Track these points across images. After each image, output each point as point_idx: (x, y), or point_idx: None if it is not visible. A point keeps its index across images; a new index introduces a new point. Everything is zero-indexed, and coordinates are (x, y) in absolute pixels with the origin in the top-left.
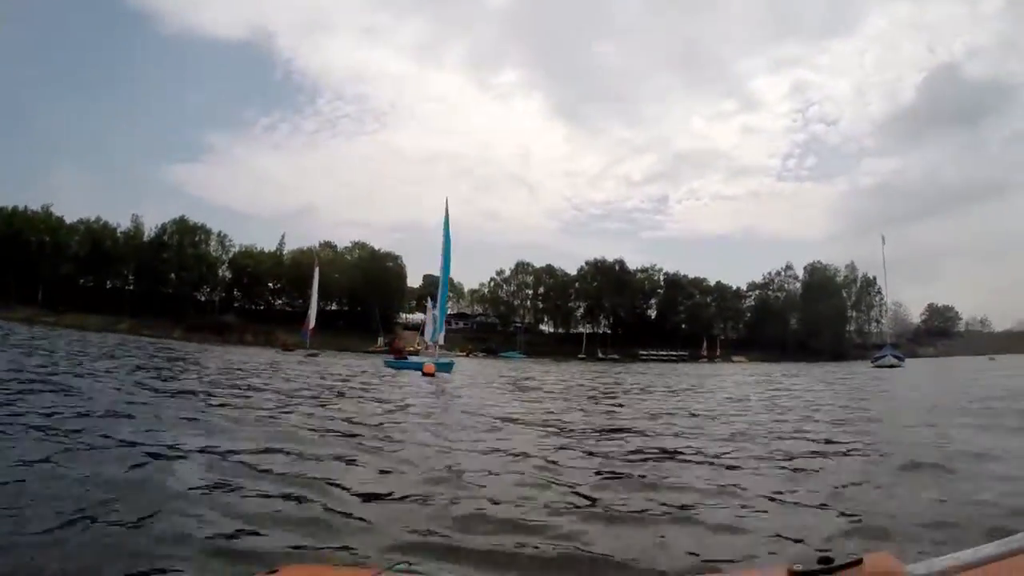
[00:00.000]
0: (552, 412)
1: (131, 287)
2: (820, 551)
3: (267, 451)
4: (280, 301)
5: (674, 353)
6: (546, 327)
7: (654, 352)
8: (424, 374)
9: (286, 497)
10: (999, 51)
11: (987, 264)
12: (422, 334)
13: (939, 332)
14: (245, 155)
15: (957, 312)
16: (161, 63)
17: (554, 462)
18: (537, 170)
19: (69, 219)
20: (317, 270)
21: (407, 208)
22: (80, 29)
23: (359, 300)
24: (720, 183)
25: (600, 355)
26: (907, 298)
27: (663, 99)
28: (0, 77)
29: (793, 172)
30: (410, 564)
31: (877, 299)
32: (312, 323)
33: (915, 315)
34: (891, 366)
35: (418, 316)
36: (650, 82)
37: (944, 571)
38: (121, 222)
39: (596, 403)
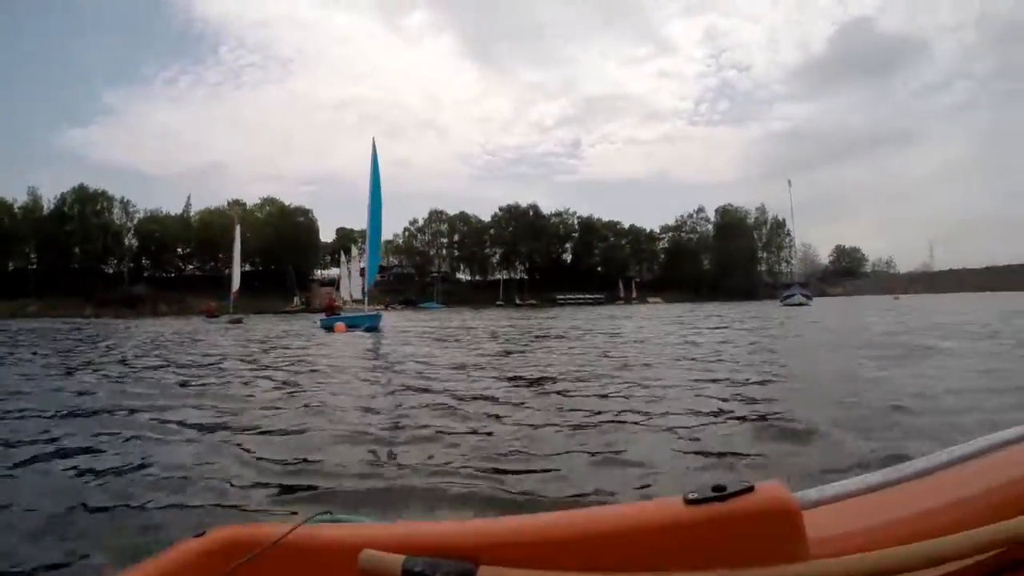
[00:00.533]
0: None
1: (35, 266)
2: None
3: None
4: (191, 266)
5: (591, 296)
6: (463, 275)
7: (572, 296)
8: (331, 330)
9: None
10: (910, 6)
11: (893, 207)
12: (338, 289)
13: (847, 272)
14: (146, 112)
15: (864, 253)
16: (46, 18)
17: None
18: (448, 115)
19: None
20: (238, 229)
21: (318, 160)
22: None
23: (273, 259)
24: (633, 127)
25: (518, 301)
26: (816, 239)
27: (576, 42)
28: None
29: (705, 116)
30: (331, 513)
31: (787, 240)
32: (236, 286)
33: (824, 256)
34: (799, 304)
35: (333, 271)
36: (563, 25)
37: (834, 497)
38: (17, 197)
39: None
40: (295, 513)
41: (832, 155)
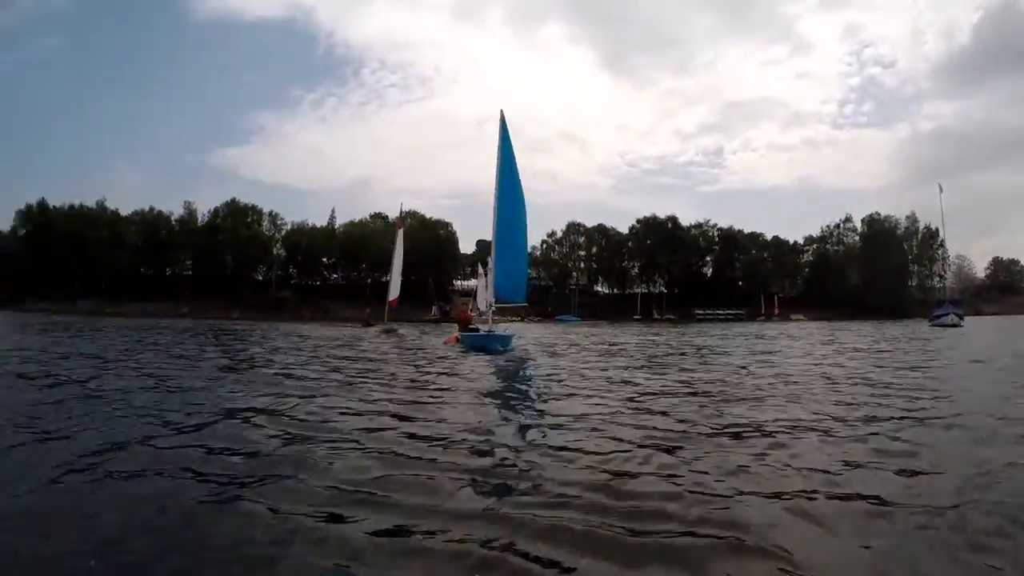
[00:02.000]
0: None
1: (189, 272)
2: None
3: None
4: (334, 275)
5: (731, 312)
6: (600, 288)
7: (711, 311)
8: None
9: None
10: None
11: None
12: (475, 299)
13: (1005, 287)
14: (294, 132)
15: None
16: (201, 50)
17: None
18: (587, 126)
19: (124, 212)
20: (400, 236)
21: (459, 174)
22: (116, 23)
23: (412, 269)
24: (775, 133)
25: (656, 316)
26: (971, 251)
27: (712, 46)
28: (48, 80)
29: (850, 118)
30: None
31: (939, 252)
32: (394, 295)
33: (979, 269)
34: (952, 325)
35: (472, 283)
36: (697, 29)
37: None
38: (175, 210)
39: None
40: None
41: (985, 157)
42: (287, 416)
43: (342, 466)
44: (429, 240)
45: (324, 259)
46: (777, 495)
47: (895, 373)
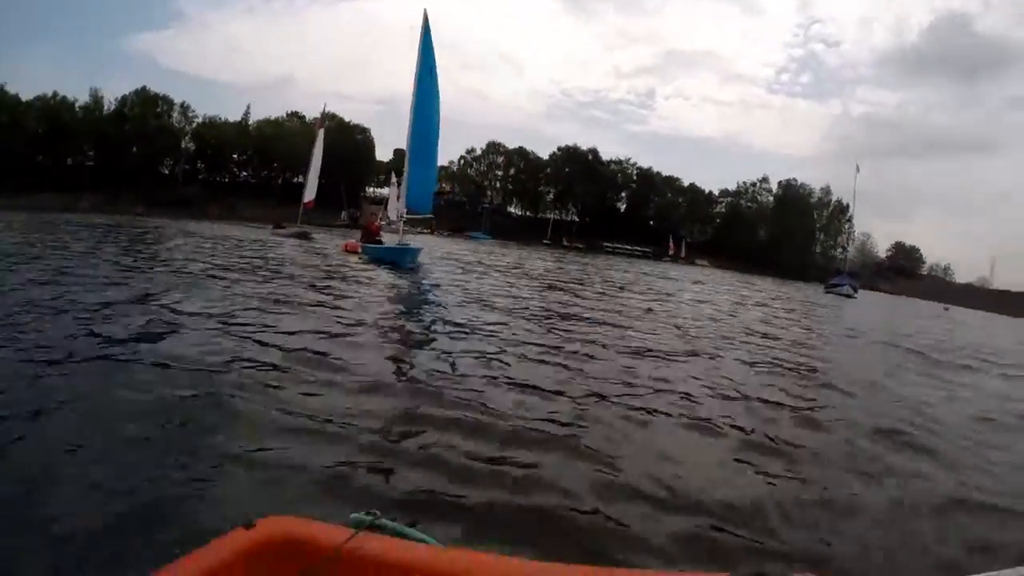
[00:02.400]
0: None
1: (91, 163)
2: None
3: None
4: (244, 174)
5: (639, 248)
6: (514, 210)
7: (619, 245)
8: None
9: None
10: (1015, 11)
11: (961, 215)
12: (385, 208)
13: (901, 271)
14: (218, 21)
15: (922, 255)
16: None
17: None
18: (525, 50)
19: (26, 96)
20: (321, 137)
21: (386, 80)
22: None
23: (326, 173)
24: (711, 86)
25: (565, 243)
26: (877, 232)
27: None
28: None
29: (786, 86)
30: (377, 515)
31: (846, 227)
32: (309, 197)
33: (881, 249)
34: (846, 296)
35: (385, 190)
36: None
37: None
38: (81, 97)
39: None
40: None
41: (908, 150)
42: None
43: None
44: (347, 144)
45: (235, 156)
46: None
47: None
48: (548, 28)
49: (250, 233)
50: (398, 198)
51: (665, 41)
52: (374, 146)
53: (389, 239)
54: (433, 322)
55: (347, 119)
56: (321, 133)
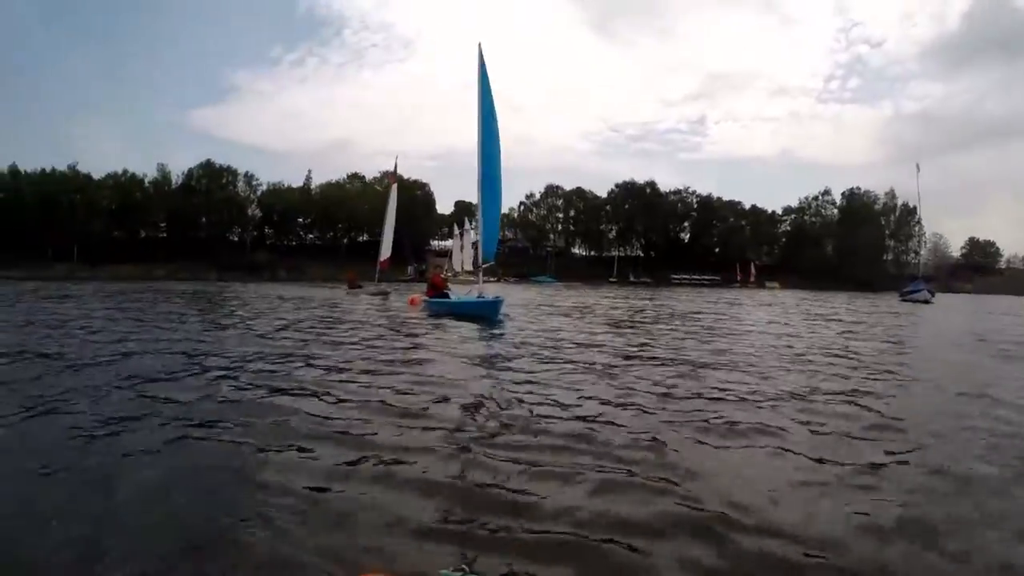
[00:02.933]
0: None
1: (164, 235)
2: None
3: None
4: (310, 236)
5: (706, 277)
6: (577, 250)
7: (686, 276)
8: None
9: None
10: None
11: None
12: (450, 260)
13: (979, 267)
14: (272, 92)
15: (999, 248)
16: (177, 6)
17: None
18: (570, 91)
19: (97, 175)
20: (394, 192)
21: (441, 136)
22: None
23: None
24: (759, 103)
25: (631, 279)
26: (948, 231)
27: (698, 13)
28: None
29: (835, 94)
30: (466, 570)
31: (916, 229)
32: (386, 255)
33: (955, 248)
34: (925, 301)
35: (448, 243)
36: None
37: None
38: (149, 172)
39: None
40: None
41: (967, 140)
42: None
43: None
44: (408, 200)
45: (300, 219)
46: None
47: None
48: (589, 65)
49: (325, 292)
50: (461, 249)
51: (707, 64)
52: (434, 200)
53: (457, 291)
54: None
55: (406, 176)
56: (395, 189)
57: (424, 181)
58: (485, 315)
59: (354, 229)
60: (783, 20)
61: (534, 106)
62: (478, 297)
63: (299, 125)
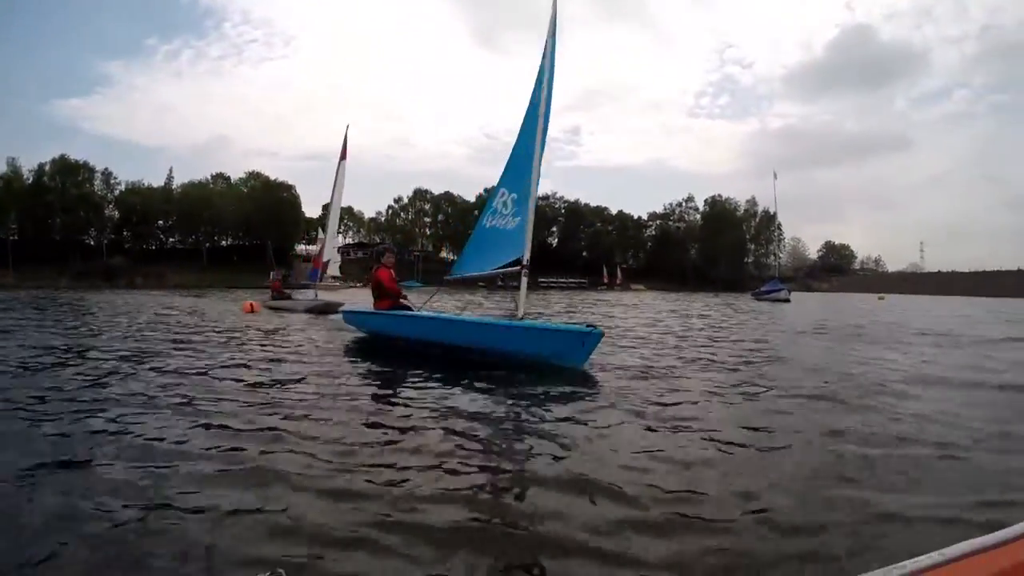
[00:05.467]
0: None
1: (15, 237)
2: None
3: None
4: (171, 240)
5: (574, 280)
6: (446, 255)
7: (554, 280)
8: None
9: None
10: (913, 16)
11: (884, 210)
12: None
13: (834, 268)
14: (146, 85)
15: (853, 251)
16: None
17: None
18: (450, 97)
19: None
20: (342, 174)
21: (319, 137)
22: None
23: (253, 233)
24: (634, 116)
25: (499, 283)
26: (808, 236)
27: (581, 27)
28: None
29: (706, 109)
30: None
31: (775, 234)
32: (329, 255)
33: (813, 251)
34: (784, 300)
35: (314, 248)
36: (568, 10)
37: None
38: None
39: None
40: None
41: (827, 157)
42: None
43: None
44: (271, 202)
45: (160, 221)
46: None
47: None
48: (468, 72)
49: (216, 306)
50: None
51: (586, 77)
52: (300, 203)
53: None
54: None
55: (272, 176)
56: (343, 168)
57: (291, 183)
58: (573, 357)
59: (218, 233)
60: (661, 40)
61: (414, 110)
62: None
63: (173, 121)
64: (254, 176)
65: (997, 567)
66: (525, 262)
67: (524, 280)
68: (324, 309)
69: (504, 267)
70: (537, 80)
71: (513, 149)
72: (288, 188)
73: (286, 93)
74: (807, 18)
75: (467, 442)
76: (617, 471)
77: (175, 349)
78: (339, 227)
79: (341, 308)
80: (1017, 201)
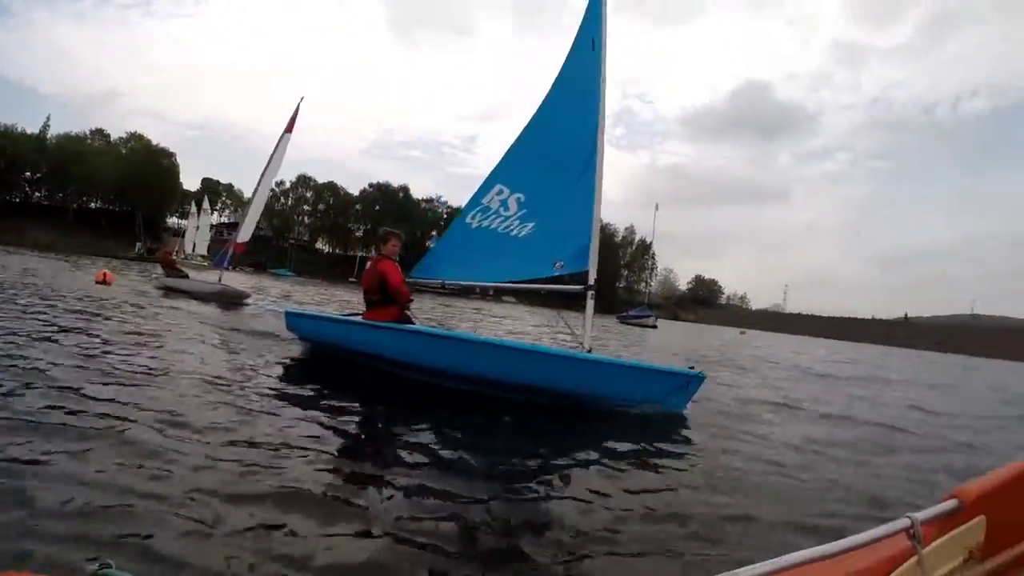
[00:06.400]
0: None
1: None
2: None
3: None
4: (38, 194)
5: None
6: (322, 246)
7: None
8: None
9: None
10: (812, 80)
11: (755, 252)
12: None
13: (702, 301)
14: (46, 22)
15: (721, 286)
16: None
17: None
18: (352, 86)
19: None
20: (285, 147)
21: (210, 107)
22: None
23: (125, 198)
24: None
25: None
26: (683, 268)
27: (499, 36)
28: None
29: None
30: (112, 567)
31: (649, 263)
32: (246, 237)
33: (683, 283)
34: (652, 326)
35: (185, 222)
36: (486, 18)
37: None
38: None
39: None
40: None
41: (709, 198)
42: None
43: None
44: (150, 168)
45: (27, 172)
46: None
47: None
48: (374, 62)
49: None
50: (196, 229)
51: (490, 88)
52: (178, 172)
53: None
54: None
55: (155, 141)
56: (286, 141)
57: (172, 151)
58: (646, 403)
59: (87, 193)
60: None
61: (311, 93)
62: (348, 314)
63: (65, 65)
64: (136, 138)
65: None
66: (591, 282)
67: (591, 304)
68: (235, 298)
69: (515, 282)
70: (572, 55)
71: (521, 137)
72: (170, 155)
73: (186, 55)
74: (713, 67)
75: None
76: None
77: None
78: (216, 204)
79: (285, 309)
80: (879, 258)
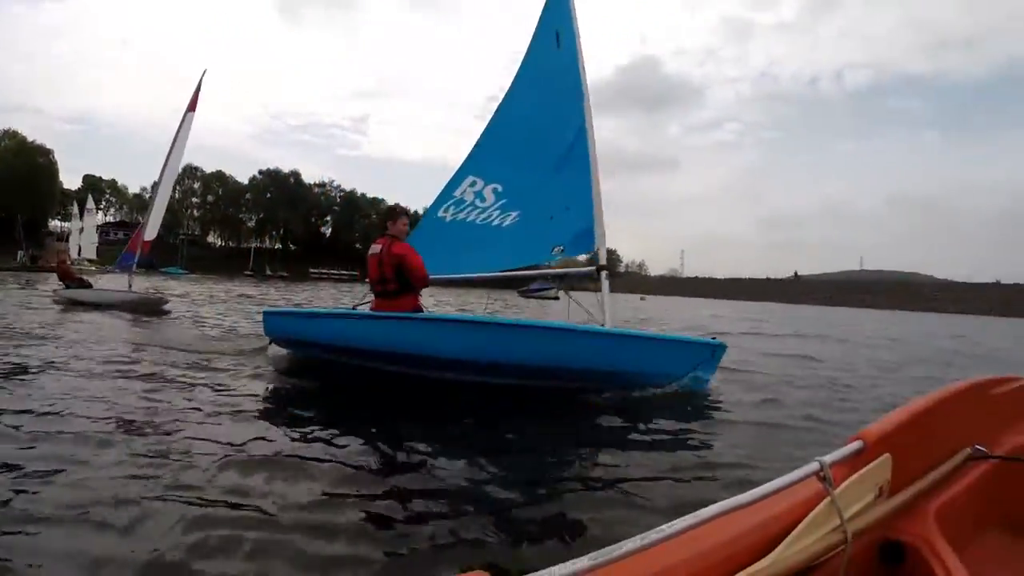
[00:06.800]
0: None
1: None
2: None
3: None
4: None
5: (346, 272)
6: (214, 239)
7: (326, 271)
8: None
9: None
10: (699, 56)
11: (649, 221)
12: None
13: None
14: None
15: (619, 255)
16: None
17: None
18: (244, 69)
19: None
20: (188, 128)
21: (89, 96)
22: None
23: (1, 201)
24: (421, 112)
25: (268, 272)
26: None
27: (383, 12)
28: None
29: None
30: None
31: None
32: (152, 235)
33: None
34: (553, 298)
35: (68, 225)
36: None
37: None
38: None
39: None
40: None
41: (602, 169)
42: None
43: None
44: (26, 169)
45: None
46: None
47: None
48: (260, 41)
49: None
50: (81, 232)
51: (380, 65)
52: (58, 171)
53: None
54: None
55: (31, 138)
56: (190, 120)
57: (49, 147)
58: (672, 376)
59: None
60: (464, 37)
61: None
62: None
63: None
64: (9, 135)
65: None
66: (602, 262)
67: (606, 283)
68: (155, 306)
69: (502, 272)
70: (535, 46)
71: (488, 127)
72: (46, 153)
73: (62, 43)
74: (603, 42)
75: None
76: None
77: None
78: (100, 202)
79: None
80: (768, 219)
